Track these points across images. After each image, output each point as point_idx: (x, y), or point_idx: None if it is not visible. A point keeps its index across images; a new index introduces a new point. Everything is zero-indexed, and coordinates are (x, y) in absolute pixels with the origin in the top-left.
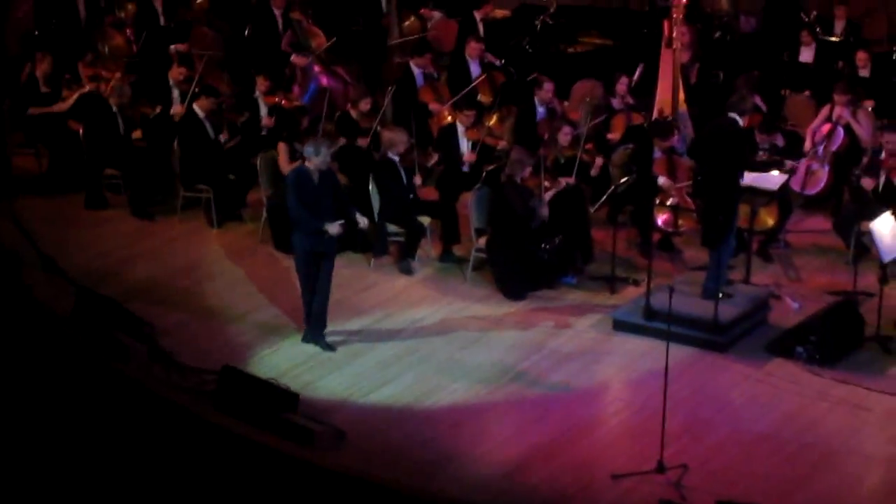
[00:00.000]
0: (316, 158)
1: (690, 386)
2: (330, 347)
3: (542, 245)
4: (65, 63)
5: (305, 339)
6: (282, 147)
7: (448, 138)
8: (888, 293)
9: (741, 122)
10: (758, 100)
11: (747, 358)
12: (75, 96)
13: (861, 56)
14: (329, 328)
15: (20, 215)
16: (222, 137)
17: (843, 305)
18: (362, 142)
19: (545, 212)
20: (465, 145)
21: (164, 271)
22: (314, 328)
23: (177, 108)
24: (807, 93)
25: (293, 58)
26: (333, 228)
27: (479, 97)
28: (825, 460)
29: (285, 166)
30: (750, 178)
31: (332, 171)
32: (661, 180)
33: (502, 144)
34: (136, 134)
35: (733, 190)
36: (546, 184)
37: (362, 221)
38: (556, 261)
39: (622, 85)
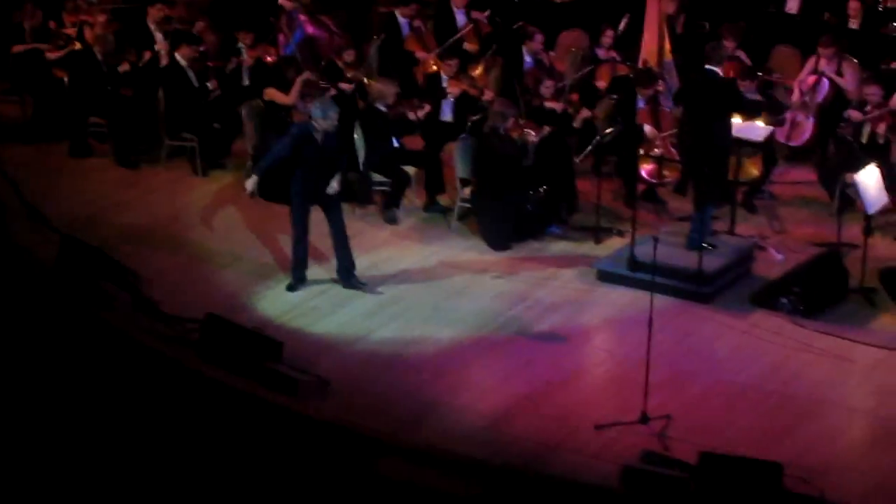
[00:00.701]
0: (323, 121)
1: (674, 337)
2: (363, 284)
3: (527, 195)
4: (50, 11)
5: (290, 288)
6: (271, 90)
7: (435, 87)
8: (872, 245)
9: (719, 71)
10: (740, 53)
11: (731, 309)
12: (63, 53)
13: (853, 6)
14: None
15: (4, 163)
16: (210, 86)
17: (827, 257)
18: (345, 86)
19: (532, 158)
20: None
21: (149, 220)
22: (346, 276)
23: (162, 48)
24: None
25: (280, 1)
26: (249, 184)
27: (464, 46)
28: (808, 411)
29: (285, 98)
30: (735, 129)
31: (334, 136)
32: (647, 129)
33: (488, 95)
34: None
35: (720, 141)
36: (529, 131)
37: (333, 188)
38: (541, 211)
39: (607, 38)
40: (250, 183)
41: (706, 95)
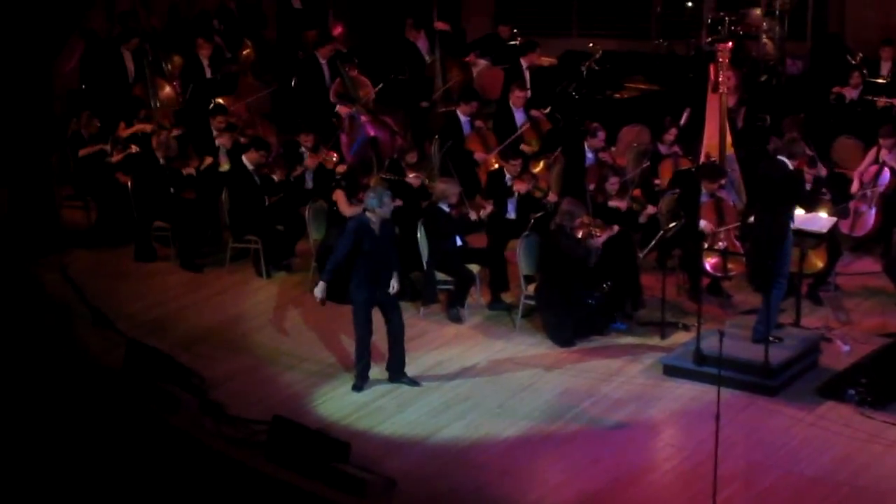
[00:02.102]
0: (379, 209)
1: (742, 430)
2: (415, 382)
3: (592, 292)
4: (112, 119)
5: (356, 388)
6: (339, 194)
7: (498, 184)
8: None
9: (791, 165)
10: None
11: (799, 401)
12: (122, 156)
13: None
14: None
15: (70, 268)
16: (275, 177)
17: (893, 347)
18: (411, 181)
19: (597, 253)
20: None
21: (214, 322)
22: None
23: (221, 160)
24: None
25: (338, 107)
26: (318, 292)
27: (521, 146)
28: (879, 503)
29: (347, 209)
30: (799, 221)
31: (391, 222)
32: (703, 224)
33: (552, 197)
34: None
35: (782, 232)
36: (596, 231)
37: (394, 288)
38: (606, 307)
39: (670, 135)
40: (319, 290)
41: (772, 185)
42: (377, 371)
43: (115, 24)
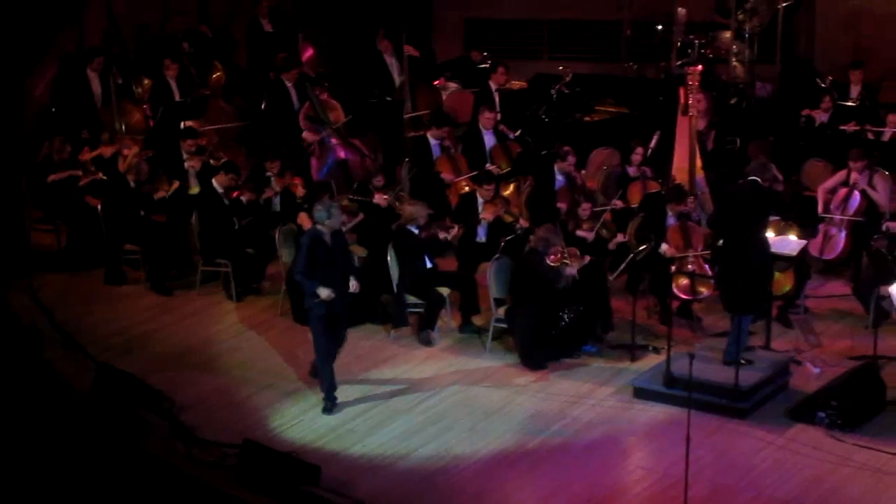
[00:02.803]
0: (329, 221)
1: (712, 453)
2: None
3: (562, 314)
4: (80, 141)
5: (326, 410)
6: (303, 216)
7: (469, 208)
8: None
9: (763, 185)
10: (774, 170)
11: (769, 424)
12: (88, 180)
13: (892, 119)
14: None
15: (39, 292)
16: (244, 198)
17: (863, 370)
18: (379, 200)
19: (569, 279)
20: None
21: (184, 345)
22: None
23: (191, 182)
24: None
25: (304, 133)
26: (323, 293)
27: (488, 166)
28: None
29: None
30: (769, 244)
31: (342, 233)
32: (664, 248)
33: (524, 223)
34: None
35: (759, 252)
36: (569, 260)
37: (353, 286)
38: (577, 329)
39: (637, 155)
40: (324, 292)
41: (747, 205)
42: (349, 392)
43: (86, 46)
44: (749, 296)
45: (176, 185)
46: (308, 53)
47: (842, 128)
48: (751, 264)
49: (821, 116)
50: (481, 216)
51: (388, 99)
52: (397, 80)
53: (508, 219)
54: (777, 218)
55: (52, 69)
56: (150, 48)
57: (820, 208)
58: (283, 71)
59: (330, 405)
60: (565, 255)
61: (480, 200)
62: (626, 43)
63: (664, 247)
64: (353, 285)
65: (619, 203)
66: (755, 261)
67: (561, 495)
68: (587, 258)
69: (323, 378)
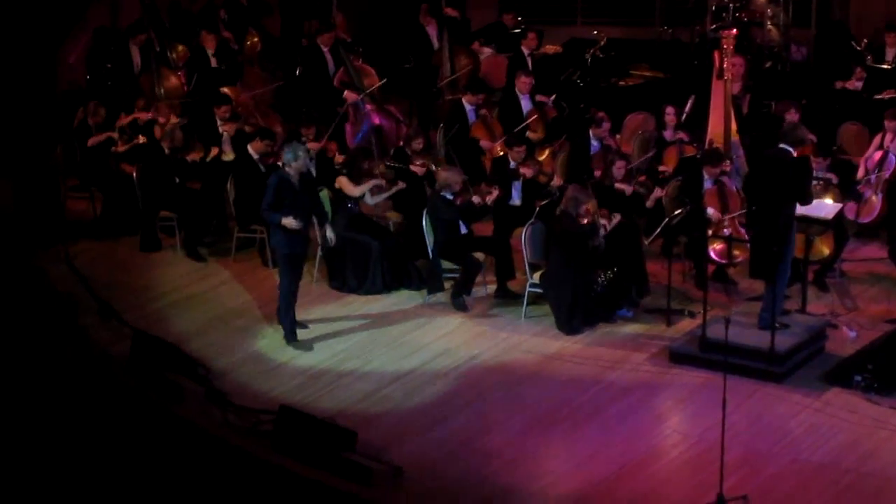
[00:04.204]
0: (295, 163)
1: (748, 417)
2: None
3: (598, 279)
4: (118, 109)
5: (289, 340)
6: (342, 179)
7: (502, 170)
8: None
9: (794, 152)
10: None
11: (805, 388)
12: (129, 146)
13: None
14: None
15: (75, 260)
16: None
17: None
18: (416, 169)
19: (602, 242)
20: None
21: (220, 312)
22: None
23: (225, 149)
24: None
25: (345, 93)
26: (289, 221)
27: (528, 133)
28: (884, 489)
29: (354, 191)
30: (804, 208)
31: (310, 174)
32: (710, 212)
33: (557, 181)
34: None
35: (787, 220)
36: (602, 220)
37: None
38: (612, 294)
39: (669, 115)
40: (292, 222)
41: (777, 173)
42: (385, 357)
43: (121, 16)
44: (783, 261)
45: (215, 151)
46: (338, 20)
47: (876, 97)
48: (781, 230)
49: (854, 85)
50: (520, 170)
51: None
52: (436, 45)
53: (543, 179)
54: (817, 182)
55: (86, 37)
56: (185, 16)
57: (860, 175)
58: (320, 35)
59: (292, 338)
60: (596, 213)
61: (513, 163)
62: (660, 7)
63: (710, 210)
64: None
65: (661, 169)
66: (784, 227)
67: (596, 460)
68: (618, 216)
69: (285, 318)
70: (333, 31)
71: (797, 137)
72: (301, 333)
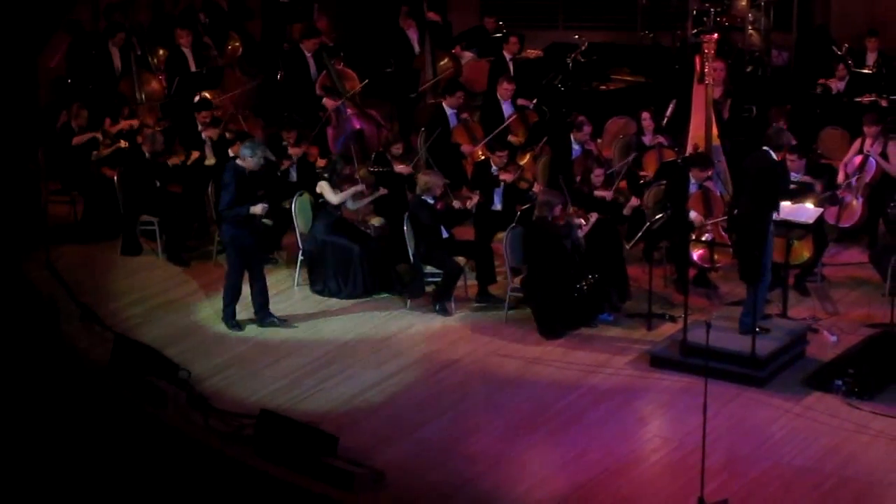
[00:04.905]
0: (251, 160)
1: (729, 421)
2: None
3: (579, 283)
4: (99, 112)
5: (233, 327)
6: (323, 185)
7: (483, 175)
8: None
9: (775, 156)
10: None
11: (786, 392)
12: (111, 150)
13: None
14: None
15: (56, 263)
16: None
17: (880, 338)
18: (401, 169)
19: (581, 241)
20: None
21: (201, 316)
22: (264, 314)
23: (207, 153)
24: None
25: (324, 100)
26: (257, 208)
27: (509, 137)
28: (865, 493)
29: (334, 198)
30: (785, 212)
31: (263, 172)
32: (693, 215)
33: (537, 188)
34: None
35: (767, 224)
36: (578, 219)
37: (261, 208)
38: (593, 299)
39: (646, 121)
40: (259, 208)
41: (760, 177)
42: (366, 362)
43: (101, 19)
44: (762, 265)
45: (196, 155)
46: (322, 23)
47: (857, 100)
48: (764, 234)
49: (837, 85)
50: (500, 177)
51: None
52: (417, 49)
53: (524, 185)
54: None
55: (66, 42)
56: (165, 20)
57: (840, 179)
58: (304, 39)
59: (235, 324)
60: (569, 212)
61: (494, 168)
62: (641, 11)
63: (693, 214)
64: (260, 208)
65: (641, 174)
66: (767, 231)
67: (578, 464)
68: (594, 215)
69: (230, 301)
70: (319, 37)
71: (781, 142)
72: (280, 337)
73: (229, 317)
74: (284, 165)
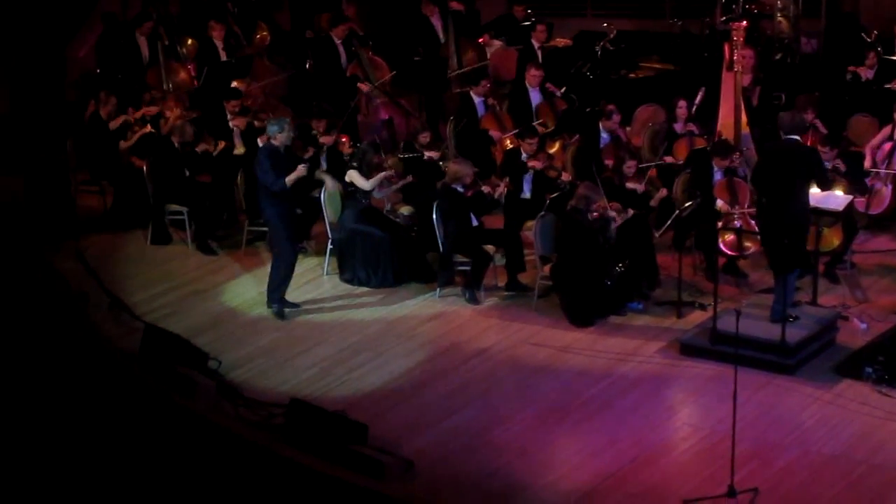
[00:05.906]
0: (281, 135)
1: (759, 409)
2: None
3: (609, 271)
4: (128, 102)
5: (279, 316)
6: (353, 173)
7: (513, 162)
8: None
9: (800, 140)
10: (817, 123)
11: (816, 380)
12: (136, 137)
13: None
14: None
15: (85, 253)
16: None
17: None
18: (431, 154)
19: (613, 235)
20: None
21: (230, 305)
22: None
23: (236, 143)
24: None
25: (359, 84)
26: (301, 169)
27: (537, 125)
28: (895, 481)
29: (365, 185)
30: (815, 199)
31: (290, 149)
32: (719, 203)
33: (566, 177)
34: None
35: (801, 211)
36: (613, 213)
37: (303, 168)
38: (622, 287)
39: (681, 109)
40: (303, 168)
41: (788, 164)
42: (396, 350)
43: (130, 8)
44: (792, 253)
45: (222, 145)
46: (350, 11)
47: (886, 86)
48: (793, 222)
49: (866, 73)
50: (529, 164)
51: (431, 57)
52: (442, 38)
53: (553, 173)
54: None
55: (96, 32)
56: (194, 10)
57: (867, 164)
58: (334, 27)
59: (280, 307)
60: (607, 210)
61: (524, 156)
62: None
63: (719, 202)
64: (303, 167)
65: (667, 159)
66: (797, 218)
67: (607, 453)
68: (630, 211)
69: (282, 289)
70: (348, 23)
71: (801, 125)
72: (309, 326)
73: (279, 299)
74: (310, 153)
